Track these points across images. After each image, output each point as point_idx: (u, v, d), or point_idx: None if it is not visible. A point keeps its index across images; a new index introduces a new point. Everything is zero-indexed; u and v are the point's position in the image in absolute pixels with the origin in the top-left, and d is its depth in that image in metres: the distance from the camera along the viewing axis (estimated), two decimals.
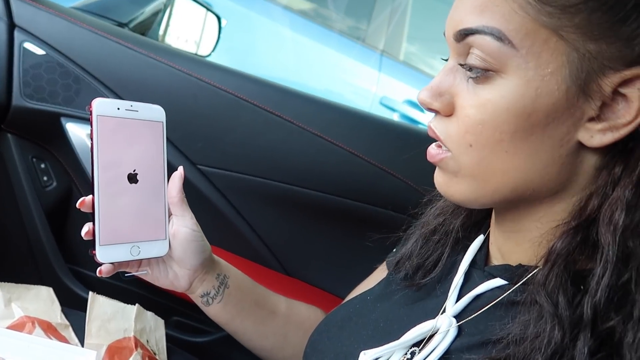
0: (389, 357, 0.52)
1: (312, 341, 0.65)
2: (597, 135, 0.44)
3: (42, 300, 0.72)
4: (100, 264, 0.58)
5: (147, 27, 1.22)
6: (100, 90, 0.90)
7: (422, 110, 2.38)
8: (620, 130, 0.43)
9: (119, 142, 0.57)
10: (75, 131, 0.92)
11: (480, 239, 0.57)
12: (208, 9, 1.39)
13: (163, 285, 0.65)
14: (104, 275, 0.59)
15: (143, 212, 0.59)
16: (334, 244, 1.01)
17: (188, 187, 0.90)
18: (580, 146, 0.45)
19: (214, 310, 0.69)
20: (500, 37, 0.43)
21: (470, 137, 0.46)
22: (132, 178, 0.58)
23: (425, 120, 2.40)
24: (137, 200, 0.59)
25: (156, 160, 0.60)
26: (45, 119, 0.91)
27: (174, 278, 0.65)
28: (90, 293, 0.72)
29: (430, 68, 2.82)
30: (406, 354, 0.52)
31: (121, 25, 1.12)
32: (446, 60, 0.50)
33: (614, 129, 0.43)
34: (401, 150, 0.99)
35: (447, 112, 0.48)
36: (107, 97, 0.91)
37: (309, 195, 0.97)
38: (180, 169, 0.63)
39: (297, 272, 1.00)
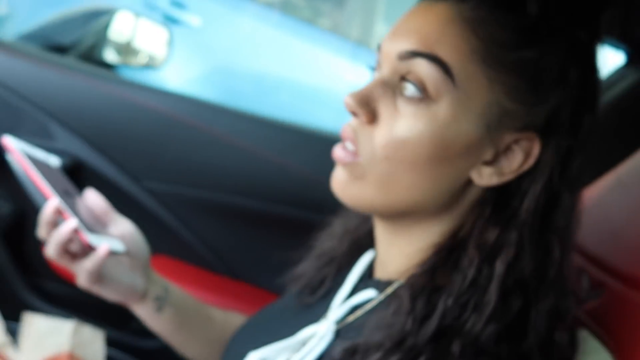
0: (276, 359, 0.57)
1: (227, 344, 0.69)
2: (486, 177, 0.50)
3: None
4: (92, 248, 0.60)
5: (94, 47, 1.27)
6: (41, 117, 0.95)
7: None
8: (504, 177, 0.50)
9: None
10: None
11: (370, 253, 0.61)
12: (153, 21, 1.43)
13: (122, 294, 0.67)
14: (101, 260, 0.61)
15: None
16: (274, 246, 1.08)
17: (131, 201, 0.96)
18: (470, 181, 0.51)
19: (166, 315, 0.70)
20: (447, 70, 0.47)
21: (389, 151, 0.48)
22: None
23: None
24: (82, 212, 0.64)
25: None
26: None
27: (131, 281, 0.67)
28: (26, 314, 0.76)
29: None
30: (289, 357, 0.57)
31: (65, 49, 1.17)
32: (373, 69, 0.53)
33: (500, 174, 0.50)
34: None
35: (370, 120, 0.50)
36: (50, 124, 0.96)
37: (244, 204, 1.03)
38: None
39: (243, 275, 1.07)
